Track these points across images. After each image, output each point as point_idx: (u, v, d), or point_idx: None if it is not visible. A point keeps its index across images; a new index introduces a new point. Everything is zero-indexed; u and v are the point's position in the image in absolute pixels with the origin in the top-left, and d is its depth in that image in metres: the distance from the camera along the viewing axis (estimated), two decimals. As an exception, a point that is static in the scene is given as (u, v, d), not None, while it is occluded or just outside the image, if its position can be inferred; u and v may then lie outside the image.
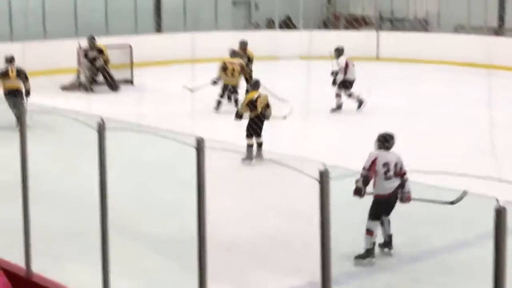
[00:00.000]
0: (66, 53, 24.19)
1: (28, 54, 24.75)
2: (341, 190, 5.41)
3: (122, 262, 8.08)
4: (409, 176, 9.37)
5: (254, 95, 14.02)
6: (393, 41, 29.18)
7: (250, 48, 21.22)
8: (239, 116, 14.26)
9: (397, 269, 9.29)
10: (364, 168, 9.41)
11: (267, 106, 14.08)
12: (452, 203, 9.43)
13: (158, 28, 31.39)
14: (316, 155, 11.89)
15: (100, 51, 23.54)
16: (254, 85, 14.54)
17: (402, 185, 9.49)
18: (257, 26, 34.19)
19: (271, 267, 9.10)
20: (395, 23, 33.15)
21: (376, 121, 15.67)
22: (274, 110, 14.32)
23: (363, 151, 9.67)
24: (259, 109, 13.84)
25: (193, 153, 5.77)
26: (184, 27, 30.36)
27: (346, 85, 18.53)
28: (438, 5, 31.37)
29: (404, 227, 10.02)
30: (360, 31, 31.95)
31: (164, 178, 12.83)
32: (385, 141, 9.57)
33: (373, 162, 9.42)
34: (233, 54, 20.04)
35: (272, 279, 8.71)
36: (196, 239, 5.91)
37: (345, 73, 18.50)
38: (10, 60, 17.73)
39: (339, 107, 18.57)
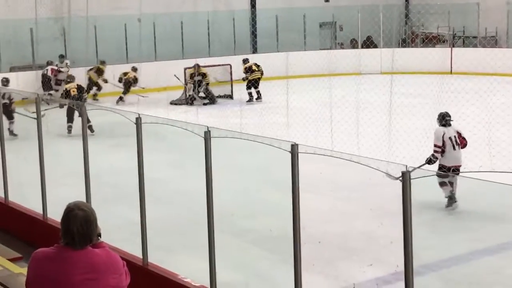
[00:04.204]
0: (174, 72, 24.55)
1: (142, 74, 25.31)
2: (423, 189, 5.32)
3: (226, 255, 8.12)
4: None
5: None
6: (465, 56, 28.62)
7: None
8: None
9: (472, 260, 9.09)
10: (435, 145, 10.67)
11: None
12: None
13: (254, 49, 31.58)
14: (401, 158, 11.83)
15: (204, 75, 23.98)
16: None
17: None
18: (342, 46, 34.04)
19: (358, 259, 9.01)
20: (468, 40, 32.56)
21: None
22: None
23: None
24: None
25: (288, 157, 5.77)
26: (276, 47, 30.45)
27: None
28: (506, 22, 30.68)
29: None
30: (435, 48, 31.49)
31: (262, 180, 12.87)
32: (443, 119, 10.91)
33: (442, 137, 10.62)
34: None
35: (359, 270, 8.62)
36: (291, 234, 5.90)
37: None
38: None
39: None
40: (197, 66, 24.15)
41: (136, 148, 7.66)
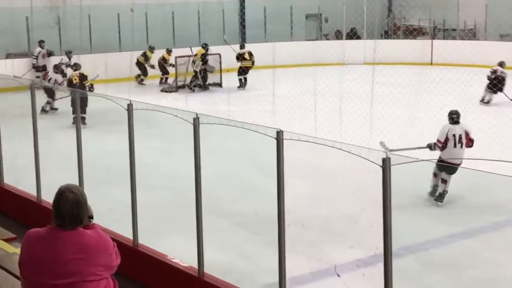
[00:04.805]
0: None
1: (133, 62, 25.25)
2: (403, 175, 5.34)
3: (213, 236, 8.13)
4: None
5: None
6: (445, 48, 28.68)
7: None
8: None
9: (449, 243, 9.14)
10: (438, 140, 10.76)
11: None
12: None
13: (243, 39, 31.55)
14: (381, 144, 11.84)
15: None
16: None
17: None
18: (327, 37, 34.01)
19: (339, 242, 9.06)
20: (447, 33, 32.63)
21: (433, 117, 15.44)
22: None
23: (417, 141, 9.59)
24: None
25: (274, 143, 5.78)
26: (265, 37, 30.43)
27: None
28: (485, 16, 30.75)
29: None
30: (417, 40, 31.54)
31: (249, 165, 12.89)
32: (450, 116, 10.91)
33: (446, 134, 10.68)
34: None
35: (340, 252, 8.66)
36: (276, 217, 5.92)
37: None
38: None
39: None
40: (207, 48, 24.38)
41: (128, 134, 7.68)
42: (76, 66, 19.30)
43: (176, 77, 24.32)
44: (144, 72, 25.53)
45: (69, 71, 20.51)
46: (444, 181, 10.61)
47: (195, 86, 24.01)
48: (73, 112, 17.23)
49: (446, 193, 10.59)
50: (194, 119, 6.71)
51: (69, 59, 23.04)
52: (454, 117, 10.90)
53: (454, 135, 10.70)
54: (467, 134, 10.85)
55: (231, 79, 24.34)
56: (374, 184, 5.16)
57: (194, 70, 24.09)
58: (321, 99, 18.36)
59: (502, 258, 8.60)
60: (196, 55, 24.25)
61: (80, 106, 17.38)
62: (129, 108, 7.62)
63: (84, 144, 8.69)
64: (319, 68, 26.48)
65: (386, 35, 34.00)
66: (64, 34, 26.78)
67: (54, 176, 7.56)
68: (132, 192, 7.73)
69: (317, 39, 33.57)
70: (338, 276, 7.65)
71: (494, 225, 9.80)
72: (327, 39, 33.53)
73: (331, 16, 33.99)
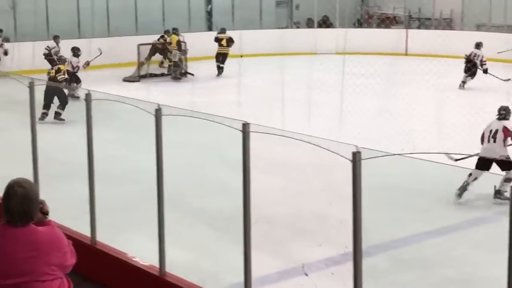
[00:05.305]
0: (127, 48, 24.34)
1: (93, 49, 25.05)
2: (373, 170, 5.37)
3: (176, 233, 8.12)
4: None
5: None
6: (420, 38, 28.89)
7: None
8: None
9: (421, 241, 9.22)
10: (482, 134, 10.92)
11: None
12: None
13: (209, 26, 31.45)
14: (351, 138, 11.89)
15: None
16: None
17: None
18: (298, 25, 34.06)
19: (307, 239, 9.09)
20: (422, 22, 32.85)
21: (406, 110, 15.57)
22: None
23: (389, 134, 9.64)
24: None
25: (239, 136, 5.78)
26: (232, 25, 30.38)
27: None
28: (461, 5, 31.01)
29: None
30: (391, 29, 31.71)
31: (214, 159, 12.88)
32: (498, 112, 10.89)
33: (484, 130, 10.83)
34: None
35: (308, 249, 8.70)
36: (242, 213, 5.93)
37: None
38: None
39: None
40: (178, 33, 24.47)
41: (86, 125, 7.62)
42: (60, 61, 19.13)
43: (139, 66, 24.19)
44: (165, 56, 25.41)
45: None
46: (470, 174, 10.62)
47: (180, 74, 23.96)
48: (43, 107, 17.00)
49: (467, 185, 10.57)
50: (156, 110, 6.67)
51: (57, 44, 23.22)
52: (503, 113, 10.88)
53: (490, 130, 10.76)
54: (505, 129, 10.71)
55: (197, 69, 24.26)
56: (344, 179, 5.19)
57: (172, 60, 24.06)
58: (290, 90, 18.41)
59: (475, 257, 8.71)
60: (171, 43, 24.26)
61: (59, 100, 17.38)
62: (88, 98, 7.55)
63: (39, 135, 8.58)
64: (289, 58, 26.54)
65: (359, 24, 34.13)
66: (19, 18, 26.45)
67: (6, 169, 7.50)
68: (90, 186, 7.67)
69: (287, 27, 33.59)
70: (306, 275, 7.69)
71: (466, 223, 9.92)
72: (298, 27, 33.57)
73: (302, 3, 34.03)
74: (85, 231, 7.73)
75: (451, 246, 9.13)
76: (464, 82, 21.25)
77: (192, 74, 24.09)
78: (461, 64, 21.55)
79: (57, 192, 9.94)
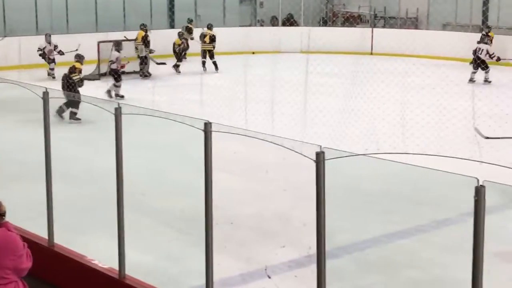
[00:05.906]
0: (87, 46, 24.14)
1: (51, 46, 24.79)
2: (337, 171, 5.39)
3: (136, 235, 8.07)
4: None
5: None
6: (386, 37, 29.10)
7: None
8: None
9: (388, 243, 9.27)
10: None
11: None
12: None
13: (172, 24, 31.34)
14: (315, 138, 11.94)
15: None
16: None
17: None
18: (262, 23, 34.11)
19: (271, 241, 9.09)
20: (388, 21, 33.10)
21: (370, 109, 15.64)
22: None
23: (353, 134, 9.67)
24: None
25: (201, 135, 5.77)
26: (195, 23, 30.30)
27: None
28: (427, 4, 31.30)
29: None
30: (356, 28, 31.90)
31: (175, 159, 12.83)
32: None
33: None
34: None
35: (271, 252, 8.69)
36: (203, 214, 5.91)
37: None
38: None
39: None
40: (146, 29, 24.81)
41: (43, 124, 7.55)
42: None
43: (99, 64, 24.00)
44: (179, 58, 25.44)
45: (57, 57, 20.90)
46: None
47: (148, 72, 23.96)
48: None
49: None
50: (115, 109, 6.63)
51: (49, 43, 23.24)
52: None
53: None
54: None
55: (157, 67, 24.18)
56: (308, 179, 5.20)
57: (139, 56, 24.01)
58: (253, 89, 18.42)
59: (442, 258, 8.78)
60: (136, 39, 24.24)
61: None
62: (45, 97, 7.49)
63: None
64: (253, 56, 26.57)
65: (324, 22, 34.28)
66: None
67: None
68: (48, 187, 7.60)
69: (251, 25, 33.62)
70: (269, 277, 7.70)
71: (433, 224, 9.99)
72: (262, 26, 33.61)
73: (267, 1, 34.08)
74: (43, 233, 7.66)
75: (418, 248, 9.19)
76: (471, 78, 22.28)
77: (164, 63, 24.25)
78: (426, 64, 21.76)
79: (14, 193, 9.84)
